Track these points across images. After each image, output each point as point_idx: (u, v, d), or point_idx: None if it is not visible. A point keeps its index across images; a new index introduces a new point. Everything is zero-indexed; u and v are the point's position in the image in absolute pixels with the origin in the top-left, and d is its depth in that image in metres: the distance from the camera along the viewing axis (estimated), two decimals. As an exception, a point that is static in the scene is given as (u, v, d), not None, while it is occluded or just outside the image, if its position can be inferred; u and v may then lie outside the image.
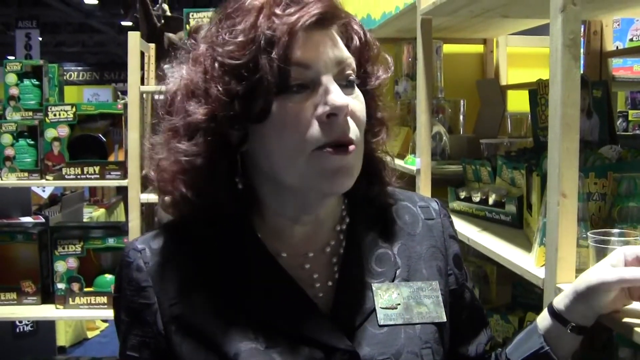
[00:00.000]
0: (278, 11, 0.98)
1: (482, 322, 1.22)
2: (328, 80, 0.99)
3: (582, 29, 2.44)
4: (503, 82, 3.13)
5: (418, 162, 2.27)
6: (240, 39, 0.98)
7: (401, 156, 2.65)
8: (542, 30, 2.38)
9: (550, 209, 1.27)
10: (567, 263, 1.26)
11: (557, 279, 1.26)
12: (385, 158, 1.15)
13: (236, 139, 1.03)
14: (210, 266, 1.05)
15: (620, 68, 2.81)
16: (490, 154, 2.33)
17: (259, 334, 1.01)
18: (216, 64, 0.99)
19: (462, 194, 2.12)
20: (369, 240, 1.12)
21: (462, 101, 2.78)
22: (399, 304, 1.07)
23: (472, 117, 2.93)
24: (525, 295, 2.13)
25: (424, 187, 2.27)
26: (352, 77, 1.03)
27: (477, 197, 2.03)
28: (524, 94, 2.30)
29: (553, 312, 1.09)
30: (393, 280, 1.10)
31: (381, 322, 1.05)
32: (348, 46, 1.05)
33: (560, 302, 1.09)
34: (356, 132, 1.01)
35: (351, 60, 1.03)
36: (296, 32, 0.97)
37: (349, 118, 1.00)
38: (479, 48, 3.22)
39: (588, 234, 1.25)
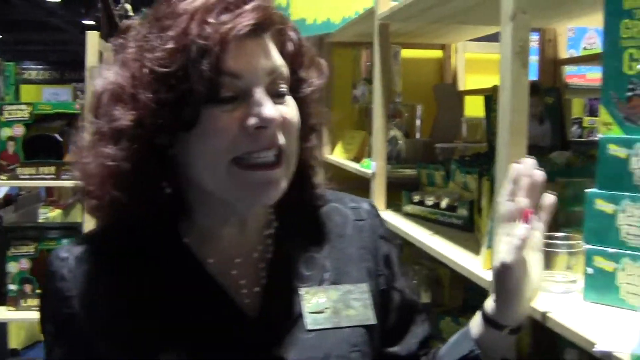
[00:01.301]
0: (211, 19, 0.95)
1: (414, 320, 1.21)
2: (259, 91, 0.97)
3: (537, 37, 2.48)
4: (461, 87, 3.17)
5: (373, 166, 2.29)
6: (170, 45, 0.94)
7: (357, 160, 2.67)
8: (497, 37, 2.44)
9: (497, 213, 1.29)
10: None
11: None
12: (316, 162, 1.14)
13: (163, 144, 0.99)
14: (134, 274, 1.02)
15: (574, 76, 2.86)
16: (445, 158, 2.36)
17: (183, 343, 1.00)
18: (145, 70, 0.96)
19: (416, 198, 2.14)
20: (297, 244, 1.12)
21: (419, 106, 2.81)
22: (328, 308, 1.07)
23: (429, 121, 2.96)
24: (476, 298, 2.15)
25: (379, 190, 2.29)
26: (284, 87, 1.01)
27: (430, 201, 2.06)
28: (481, 100, 2.34)
29: (486, 318, 1.09)
30: (321, 284, 1.09)
31: (309, 327, 1.05)
32: (282, 52, 1.03)
33: (489, 306, 1.09)
34: (286, 142, 0.99)
35: (284, 69, 1.01)
36: (229, 41, 0.94)
37: (279, 129, 0.98)
38: (437, 53, 3.25)
39: (534, 237, 1.27)
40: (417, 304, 1.24)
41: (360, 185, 2.44)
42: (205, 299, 1.04)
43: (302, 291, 1.07)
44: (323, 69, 1.11)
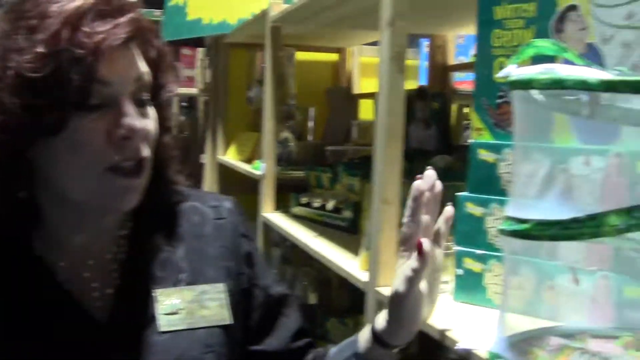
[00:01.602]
0: (84, 27, 0.92)
1: (283, 314, 1.21)
2: (126, 101, 0.96)
3: (428, 43, 2.54)
4: (355, 90, 3.21)
5: (262, 167, 2.30)
6: (40, 49, 0.91)
7: (250, 161, 2.67)
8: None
9: (373, 215, 1.32)
10: (388, 267, 1.31)
11: (378, 283, 1.32)
12: (171, 160, 1.12)
13: (22, 147, 0.96)
14: None
15: (464, 82, 2.93)
16: (335, 160, 2.39)
17: (31, 352, 0.98)
18: (10, 72, 0.92)
19: (304, 200, 2.16)
20: (152, 244, 1.10)
21: (311, 108, 2.83)
22: (182, 309, 1.06)
23: (323, 124, 2.99)
24: (363, 299, 2.19)
25: (268, 192, 2.30)
26: (147, 95, 1.00)
27: (317, 203, 2.07)
28: (372, 103, 2.38)
29: (375, 336, 1.08)
30: (176, 285, 1.08)
31: (162, 329, 1.03)
32: (145, 59, 1.02)
33: (380, 325, 1.07)
34: (148, 152, 0.99)
35: (148, 76, 1.00)
36: (103, 51, 0.92)
37: (142, 140, 0.97)
38: (333, 57, 3.28)
39: (407, 239, 1.30)
40: (285, 298, 1.23)
41: (252, 186, 2.45)
42: (52, 305, 1.01)
43: (156, 293, 1.05)
44: (178, 74, 1.11)
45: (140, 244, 1.09)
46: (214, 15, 3.23)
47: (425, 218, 1.01)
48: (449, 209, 1.04)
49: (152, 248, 1.09)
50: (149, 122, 1.00)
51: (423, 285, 1.01)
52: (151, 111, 1.02)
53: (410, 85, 2.69)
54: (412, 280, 0.99)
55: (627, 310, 1.00)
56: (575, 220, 0.79)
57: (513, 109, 0.92)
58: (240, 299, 1.14)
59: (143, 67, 1.00)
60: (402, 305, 1.01)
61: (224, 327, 1.08)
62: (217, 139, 3.21)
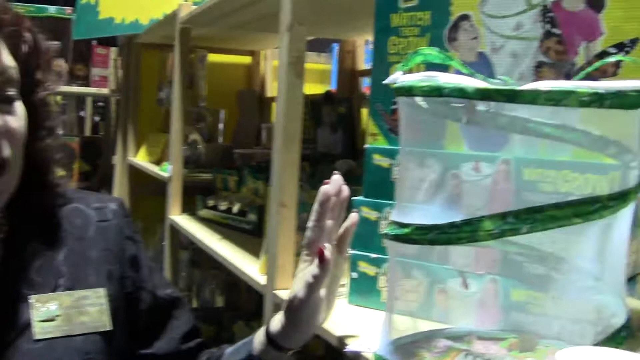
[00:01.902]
0: None
1: (172, 316, 1.19)
2: None
3: (337, 48, 2.55)
4: (269, 94, 3.20)
5: (169, 169, 2.27)
6: None
7: (159, 162, 2.64)
8: (311, 46, 2.47)
9: (271, 218, 1.32)
10: (286, 270, 1.31)
11: (276, 285, 1.31)
12: (52, 162, 1.10)
13: None
14: None
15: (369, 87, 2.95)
16: (243, 163, 2.38)
17: None
18: None
19: (210, 203, 2.14)
20: (30, 248, 1.06)
21: (222, 111, 2.81)
22: (59, 316, 1.02)
23: (234, 127, 2.97)
24: (268, 302, 2.19)
25: (175, 194, 2.27)
26: (11, 92, 0.97)
27: (223, 206, 2.06)
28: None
29: (269, 338, 1.07)
30: (55, 290, 1.04)
31: (37, 337, 1.00)
32: (15, 54, 0.99)
33: (275, 327, 1.06)
34: (9, 152, 0.95)
35: (13, 71, 0.97)
36: None
37: (4, 139, 0.94)
38: (246, 59, 3.27)
39: (304, 242, 1.30)
40: (175, 300, 1.21)
41: (162, 188, 2.42)
42: None
43: (32, 299, 1.02)
44: (61, 72, 1.09)
45: (16, 249, 1.05)
46: (126, 14, 3.17)
47: (329, 223, 1.01)
48: (353, 215, 1.05)
49: (30, 252, 1.05)
50: (13, 119, 0.96)
51: (322, 291, 1.01)
52: (18, 108, 0.98)
53: (322, 89, 2.70)
54: (312, 287, 0.98)
55: (513, 312, 1.02)
56: (452, 225, 0.81)
57: (399, 114, 0.93)
58: (123, 304, 1.11)
59: (8, 61, 0.96)
60: (299, 310, 1.01)
61: (104, 334, 1.05)
62: (127, 140, 3.15)
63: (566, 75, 1.01)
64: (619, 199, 0.79)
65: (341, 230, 1.03)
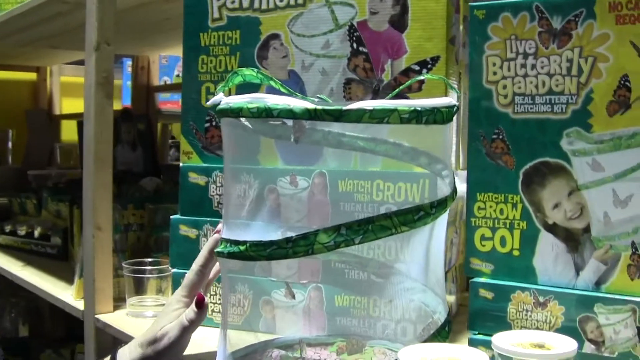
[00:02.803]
0: None
1: None
2: None
3: (130, 64, 2.50)
4: (56, 111, 3.07)
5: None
6: None
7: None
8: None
9: (86, 242, 1.27)
10: (104, 294, 1.28)
11: (95, 310, 1.27)
12: None
13: None
14: None
15: (168, 102, 2.92)
16: (39, 185, 2.27)
17: None
18: None
19: (8, 228, 2.02)
20: None
21: (10, 131, 2.66)
22: None
23: (24, 147, 2.82)
24: (80, 327, 2.10)
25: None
26: None
27: (22, 231, 1.96)
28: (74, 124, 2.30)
29: None
30: None
31: None
32: None
33: (124, 356, 0.99)
34: None
35: None
36: None
37: None
38: (32, 76, 3.12)
39: (123, 264, 1.27)
40: None
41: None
42: None
43: None
44: None
45: None
46: None
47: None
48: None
49: None
50: None
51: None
52: None
53: (114, 105, 2.64)
54: (186, 330, 0.96)
55: (338, 317, 1.06)
56: (288, 240, 0.82)
57: (222, 134, 0.94)
58: None
59: None
60: (167, 348, 0.97)
61: None
62: None
63: (374, 91, 1.06)
64: (439, 206, 0.84)
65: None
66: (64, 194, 1.90)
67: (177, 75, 3.00)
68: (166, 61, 2.96)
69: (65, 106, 3.10)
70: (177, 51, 2.67)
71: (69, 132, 2.91)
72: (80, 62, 2.91)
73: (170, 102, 2.87)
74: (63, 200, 1.86)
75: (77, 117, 2.57)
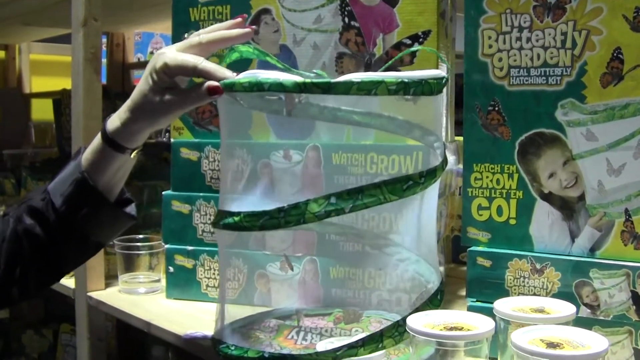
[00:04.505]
0: None
1: None
2: None
3: (105, 41, 2.49)
4: (27, 90, 3.05)
5: None
6: None
7: None
8: (67, 39, 2.38)
9: (77, 220, 1.28)
10: (96, 272, 1.29)
11: (87, 288, 1.28)
12: None
13: None
14: None
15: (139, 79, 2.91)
16: (14, 165, 2.26)
17: None
18: None
19: (-14, 208, 2.02)
20: None
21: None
22: None
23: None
24: (59, 307, 2.11)
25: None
26: None
27: (1, 211, 1.95)
28: (50, 103, 2.28)
29: (108, 140, 0.94)
30: None
31: None
32: None
33: (113, 124, 0.93)
34: None
35: None
36: None
37: None
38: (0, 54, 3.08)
39: (115, 241, 1.29)
40: None
41: None
42: None
43: None
44: None
45: None
46: None
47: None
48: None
49: None
50: None
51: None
52: None
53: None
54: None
55: (334, 289, 1.09)
56: (280, 210, 0.85)
57: (219, 110, 0.95)
58: None
59: None
60: (168, 112, 0.92)
61: None
62: None
63: (366, 65, 1.08)
64: (428, 175, 0.86)
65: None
66: (43, 172, 1.90)
67: (151, 53, 2.99)
68: (139, 38, 2.94)
69: (36, 85, 3.07)
70: (152, 28, 2.66)
71: (41, 110, 2.89)
72: (50, 40, 2.89)
73: (145, 80, 2.86)
74: (43, 179, 1.85)
75: (50, 95, 2.55)
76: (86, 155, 0.95)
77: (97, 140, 0.95)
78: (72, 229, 0.96)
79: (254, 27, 0.96)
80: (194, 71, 0.88)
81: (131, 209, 1.02)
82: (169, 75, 0.89)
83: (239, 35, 0.93)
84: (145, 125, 0.94)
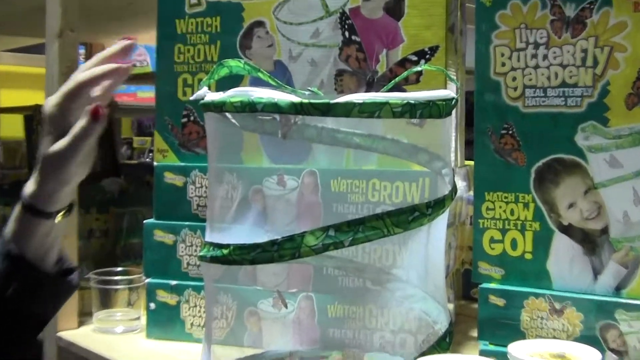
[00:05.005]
0: None
1: None
2: None
3: (83, 52, 2.49)
4: (-6, 104, 3.06)
5: None
6: None
7: None
8: (40, 49, 2.37)
9: (49, 251, 1.28)
10: (68, 309, 1.28)
11: (57, 327, 1.28)
12: None
13: None
14: None
15: (124, 94, 2.92)
16: (-18, 187, 2.25)
17: None
18: None
19: (-51, 236, 2.01)
20: None
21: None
22: None
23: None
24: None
25: None
26: None
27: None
28: (20, 119, 2.28)
29: (26, 207, 0.94)
30: None
31: None
32: None
33: (30, 189, 0.94)
34: None
35: None
36: None
37: None
38: (-37, 66, 3.10)
39: (90, 274, 1.28)
40: None
41: None
42: None
43: None
44: None
45: None
46: None
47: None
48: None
49: None
50: None
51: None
52: None
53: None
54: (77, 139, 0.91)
55: (331, 329, 1.08)
56: (273, 243, 0.84)
57: (207, 131, 0.95)
58: None
59: None
60: (68, 162, 0.92)
61: None
62: None
63: (368, 83, 1.09)
64: (436, 206, 0.86)
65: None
66: (11, 196, 1.89)
67: (134, 65, 3.00)
68: (119, 49, 2.95)
69: (4, 99, 3.08)
70: (135, 38, 2.66)
71: (9, 127, 2.89)
72: (20, 50, 2.89)
73: (127, 95, 2.87)
74: (9, 203, 1.85)
75: (21, 110, 2.55)
76: (9, 224, 0.95)
77: (18, 206, 0.95)
78: (3, 307, 0.94)
79: (132, 61, 0.97)
80: (79, 86, 0.91)
81: (73, 276, 1.00)
82: (61, 111, 0.92)
83: (110, 71, 0.95)
84: (56, 185, 0.93)
